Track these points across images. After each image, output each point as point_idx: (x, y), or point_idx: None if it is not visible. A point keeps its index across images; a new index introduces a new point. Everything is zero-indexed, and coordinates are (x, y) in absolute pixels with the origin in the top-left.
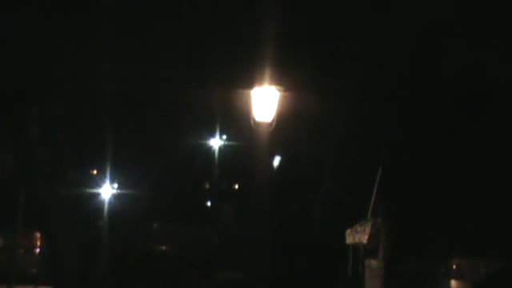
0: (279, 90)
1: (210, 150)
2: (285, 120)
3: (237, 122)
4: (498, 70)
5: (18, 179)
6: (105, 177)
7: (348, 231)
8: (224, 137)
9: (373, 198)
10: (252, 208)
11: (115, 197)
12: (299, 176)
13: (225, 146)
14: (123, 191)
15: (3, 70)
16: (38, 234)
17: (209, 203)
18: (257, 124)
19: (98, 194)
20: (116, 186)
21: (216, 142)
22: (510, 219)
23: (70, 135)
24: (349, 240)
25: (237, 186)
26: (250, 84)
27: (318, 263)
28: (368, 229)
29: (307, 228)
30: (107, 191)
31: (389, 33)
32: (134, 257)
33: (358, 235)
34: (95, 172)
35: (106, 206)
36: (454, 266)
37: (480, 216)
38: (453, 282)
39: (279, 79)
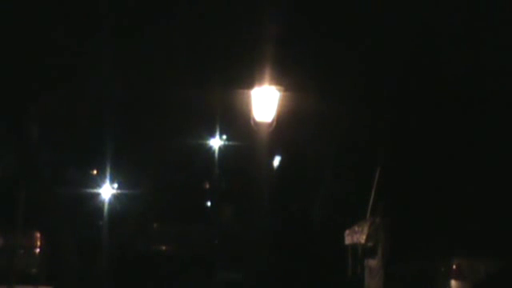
0: (279, 90)
1: (210, 150)
2: (285, 120)
3: (237, 122)
4: (498, 71)
5: (18, 179)
6: (105, 177)
7: (347, 232)
8: (224, 137)
9: (371, 198)
10: (252, 208)
11: (115, 197)
12: (299, 176)
13: (225, 145)
14: (123, 191)
15: (3, 69)
16: (38, 234)
17: (209, 203)
18: (257, 124)
19: (98, 194)
20: (116, 186)
21: (216, 142)
22: (510, 219)
23: (70, 135)
24: (348, 240)
25: (237, 186)
26: (250, 84)
27: (317, 263)
28: (366, 229)
29: (307, 228)
30: (107, 191)
31: (389, 33)
32: (134, 257)
33: (356, 235)
34: (95, 172)
35: (105, 206)
36: (454, 266)
37: (480, 216)
38: (453, 282)
39: (279, 79)
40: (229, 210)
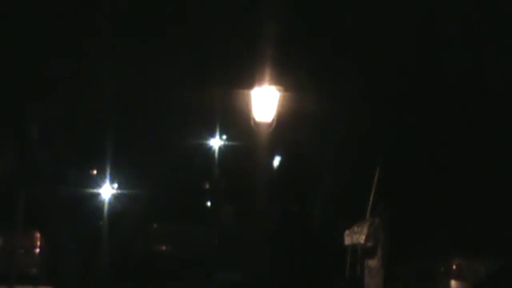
0: (279, 90)
1: (210, 150)
2: (285, 120)
3: (237, 121)
4: (498, 71)
5: (18, 179)
6: (105, 177)
7: (346, 232)
8: (224, 137)
9: (371, 198)
10: (252, 208)
11: (115, 197)
12: (299, 176)
13: (225, 145)
14: (123, 191)
15: (3, 69)
16: (38, 234)
17: (209, 203)
18: (257, 124)
19: (98, 194)
20: (116, 185)
21: (216, 142)
22: (510, 219)
23: (70, 135)
24: (347, 241)
25: (237, 186)
26: (250, 84)
27: (317, 263)
28: (366, 229)
29: (307, 228)
30: (107, 191)
31: (389, 33)
32: (134, 257)
33: (355, 236)
34: (95, 172)
35: (105, 206)
36: (454, 266)
37: (480, 216)
38: (453, 282)
39: (279, 79)
40: (229, 209)
